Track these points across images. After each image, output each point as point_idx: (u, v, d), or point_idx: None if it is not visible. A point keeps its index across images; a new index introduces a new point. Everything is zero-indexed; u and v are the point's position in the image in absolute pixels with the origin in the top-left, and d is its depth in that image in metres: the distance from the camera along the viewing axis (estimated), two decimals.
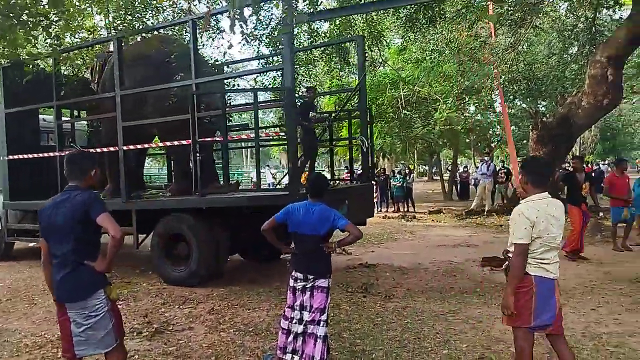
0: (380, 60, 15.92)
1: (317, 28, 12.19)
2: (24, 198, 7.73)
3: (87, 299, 2.72)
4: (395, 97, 15.51)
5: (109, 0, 6.94)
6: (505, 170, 15.45)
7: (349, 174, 15.42)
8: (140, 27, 7.50)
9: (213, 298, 5.68)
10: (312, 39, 11.64)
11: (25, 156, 7.78)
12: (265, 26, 10.73)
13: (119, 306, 3.07)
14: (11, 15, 5.07)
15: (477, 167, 18.15)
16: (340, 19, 11.18)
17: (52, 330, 4.62)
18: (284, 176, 10.42)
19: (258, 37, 10.49)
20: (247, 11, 5.36)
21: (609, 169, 18.14)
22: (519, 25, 11.13)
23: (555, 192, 3.10)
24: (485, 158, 15.88)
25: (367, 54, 11.29)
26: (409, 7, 10.55)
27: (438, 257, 7.87)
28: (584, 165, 8.79)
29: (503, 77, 12.71)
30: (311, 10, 9.09)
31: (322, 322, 3.40)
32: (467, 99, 15.43)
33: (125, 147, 6.63)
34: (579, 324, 4.40)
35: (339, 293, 5.61)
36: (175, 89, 6.61)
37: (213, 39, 11.18)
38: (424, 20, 10.96)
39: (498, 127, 18.99)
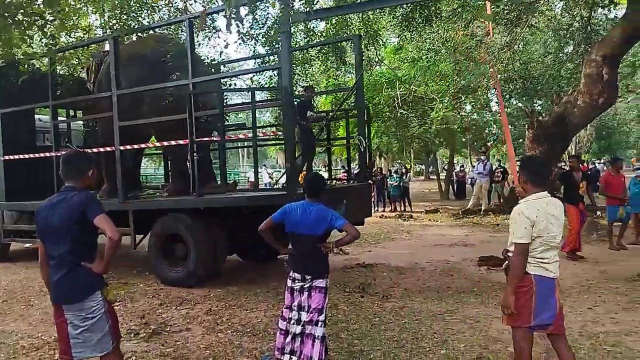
0: (377, 59, 15.95)
1: (313, 27, 12.21)
2: (19, 199, 7.68)
3: (84, 300, 2.71)
4: (392, 96, 15.52)
5: None
6: (502, 170, 15.49)
7: (345, 174, 15.48)
8: (136, 26, 7.47)
9: (210, 299, 5.67)
10: (308, 38, 11.64)
11: (21, 156, 7.73)
12: (261, 25, 10.74)
13: (116, 307, 3.06)
14: (6, 14, 5.03)
15: (474, 166, 18.20)
16: (336, 18, 11.18)
17: (49, 332, 4.59)
18: (282, 176, 10.41)
19: (254, 36, 10.49)
20: (243, 10, 5.35)
21: (605, 168, 18.21)
22: (515, 24, 11.16)
23: (552, 192, 3.10)
24: (482, 157, 15.91)
25: (363, 53, 11.28)
26: (405, 6, 10.56)
27: (435, 256, 7.88)
28: (580, 164, 8.81)
29: (499, 76, 12.74)
30: (307, 9, 9.09)
31: (320, 323, 3.39)
32: (463, 98, 15.47)
33: (122, 147, 6.60)
34: (575, 323, 4.41)
35: (337, 293, 5.61)
36: (172, 89, 6.59)
37: (209, 39, 11.19)
38: (420, 20, 10.98)
39: (494, 126, 19.04)
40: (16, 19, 5.10)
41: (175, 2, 10.78)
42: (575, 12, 11.28)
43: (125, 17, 7.58)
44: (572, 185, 7.52)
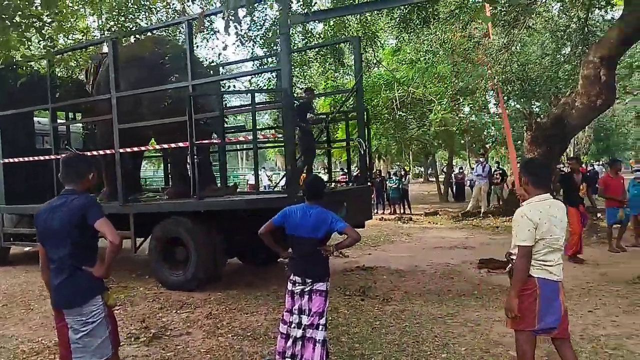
0: (375, 61, 15.96)
1: (311, 29, 12.20)
2: (19, 202, 7.65)
3: (84, 304, 2.69)
4: (390, 98, 15.53)
5: (102, 1, 6.89)
6: (501, 172, 15.50)
7: (344, 176, 15.46)
8: (134, 28, 7.46)
9: (210, 302, 5.65)
10: (306, 40, 11.64)
11: (21, 159, 7.71)
12: (259, 27, 10.73)
13: (116, 311, 3.04)
14: (4, 17, 5.02)
15: (473, 169, 18.21)
16: (334, 19, 11.19)
17: (49, 336, 4.57)
18: (282, 178, 10.39)
19: (252, 38, 10.49)
20: (241, 12, 5.35)
21: (604, 170, 18.24)
22: (512, 25, 11.18)
23: (552, 194, 3.08)
24: (481, 159, 15.94)
25: (362, 55, 11.28)
26: (403, 7, 10.57)
27: (435, 259, 7.87)
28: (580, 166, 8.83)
29: (497, 77, 12.76)
30: (305, 10, 9.09)
31: (320, 326, 3.38)
32: (461, 100, 15.49)
33: (121, 150, 6.58)
34: (576, 326, 4.40)
35: (337, 296, 5.59)
36: (170, 91, 6.57)
37: (207, 40, 11.19)
38: (417, 21, 11.00)
39: (493, 127, 19.06)
40: (14, 21, 5.08)
41: (173, 4, 10.78)
42: (572, 14, 11.31)
43: (122, 19, 7.56)
44: (572, 187, 7.52)
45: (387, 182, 16.46)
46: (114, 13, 7.17)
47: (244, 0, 5.22)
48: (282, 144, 7.04)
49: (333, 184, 8.84)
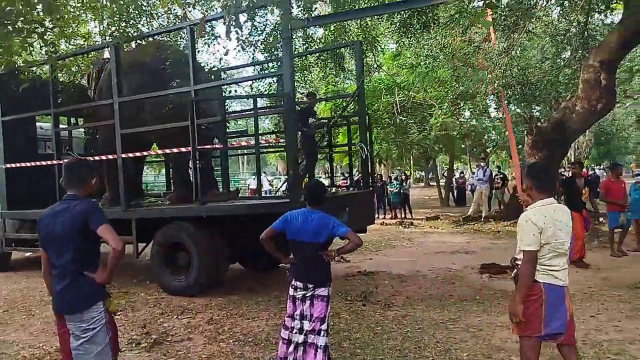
0: (375, 65, 16.00)
1: (312, 34, 12.24)
2: (21, 207, 7.65)
3: (86, 311, 2.68)
4: (391, 102, 15.55)
5: (104, 6, 6.92)
6: (502, 176, 15.49)
7: (345, 181, 15.46)
8: (135, 33, 7.49)
9: (211, 308, 5.64)
10: (307, 45, 11.67)
11: (23, 164, 7.71)
12: (260, 32, 10.76)
13: (117, 317, 3.03)
14: (6, 22, 5.04)
15: (473, 173, 18.19)
16: (334, 24, 11.22)
17: (50, 342, 4.57)
18: (283, 183, 10.39)
19: (253, 43, 10.52)
20: (242, 17, 5.36)
21: (604, 174, 18.23)
22: (512, 30, 11.20)
23: (555, 198, 3.07)
24: (481, 163, 15.93)
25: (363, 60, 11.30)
26: (403, 12, 10.60)
27: (436, 264, 7.86)
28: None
29: (497, 82, 12.76)
30: (305, 15, 9.12)
31: (322, 332, 3.37)
32: (462, 105, 15.50)
33: (124, 155, 6.58)
34: (579, 331, 4.36)
35: (338, 302, 5.58)
36: (172, 96, 6.58)
37: (209, 45, 11.21)
38: (418, 26, 11.02)
39: (493, 132, 19.06)
40: (16, 26, 5.11)
41: (174, 10, 10.82)
42: (572, 18, 11.32)
43: (124, 24, 7.59)
44: (574, 192, 7.50)
45: (388, 187, 16.46)
46: (115, 18, 7.21)
47: (245, 5, 5.23)
48: (284, 149, 7.04)
49: (334, 188, 8.83)
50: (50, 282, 2.80)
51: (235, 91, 11.32)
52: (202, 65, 9.41)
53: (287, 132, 6.05)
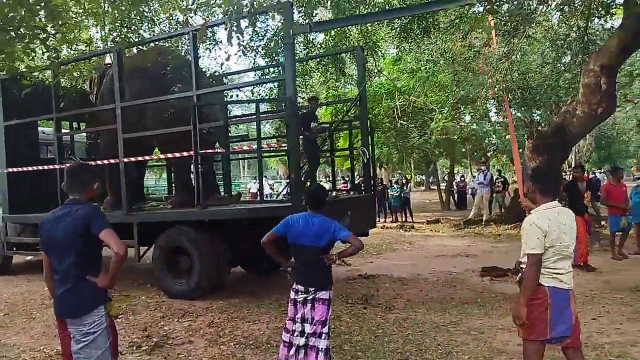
0: (376, 70, 16.05)
1: (312, 39, 12.31)
2: (23, 211, 7.67)
3: (87, 314, 2.68)
4: (391, 107, 15.59)
5: (105, 12, 6.97)
6: (502, 180, 15.49)
7: (345, 185, 15.48)
8: (136, 39, 7.53)
9: (212, 311, 5.64)
10: (307, 50, 11.73)
11: (25, 169, 7.74)
12: (261, 37, 10.82)
13: (118, 320, 3.04)
14: (9, 28, 5.09)
15: (474, 177, 18.20)
16: (335, 29, 11.27)
17: (50, 345, 4.57)
18: (285, 187, 10.40)
19: (254, 48, 10.58)
20: (243, 23, 5.39)
21: (605, 177, 18.23)
22: (512, 35, 11.24)
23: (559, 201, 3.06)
24: (482, 167, 15.94)
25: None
26: (403, 17, 10.65)
27: (437, 267, 7.86)
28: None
29: (497, 86, 12.79)
30: (306, 21, 9.18)
31: (323, 335, 3.37)
32: (462, 109, 15.54)
33: (126, 159, 6.60)
34: (581, 334, 4.38)
35: (339, 305, 5.58)
36: (174, 100, 6.61)
37: (210, 51, 11.28)
38: (418, 31, 11.07)
39: (494, 136, 19.07)
40: (19, 32, 5.15)
41: (176, 15, 10.89)
42: (572, 23, 11.37)
43: (125, 30, 7.64)
44: (576, 196, 7.50)
45: (389, 191, 16.47)
46: (117, 24, 7.26)
47: (246, 11, 5.27)
48: (286, 153, 7.06)
49: (335, 192, 8.84)
50: (52, 286, 2.81)
51: (237, 96, 11.33)
52: (204, 70, 9.47)
53: (289, 136, 6.06)
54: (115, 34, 7.27)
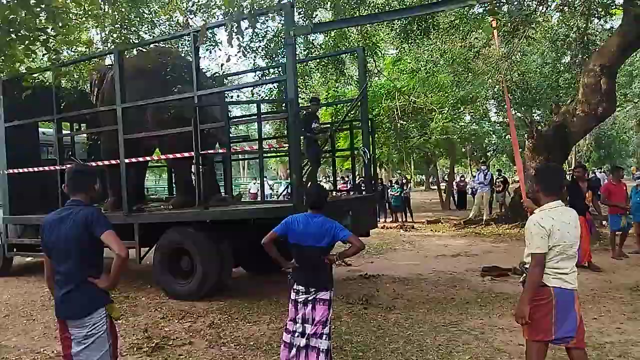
0: (376, 70, 16.07)
1: (312, 40, 12.30)
2: (24, 212, 7.67)
3: (88, 316, 2.68)
4: (391, 107, 15.61)
5: (105, 13, 6.97)
6: (502, 179, 15.49)
7: (345, 185, 15.49)
8: (136, 40, 7.53)
9: (213, 311, 5.64)
10: (307, 51, 11.73)
11: (25, 170, 7.74)
12: (261, 38, 10.83)
13: (118, 321, 3.04)
14: (10, 30, 5.09)
15: (474, 176, 18.20)
16: (335, 30, 11.28)
17: (51, 347, 4.57)
18: (286, 188, 10.39)
19: (254, 49, 10.58)
20: (243, 24, 5.39)
21: (606, 177, 18.23)
22: (512, 35, 11.26)
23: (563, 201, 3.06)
24: (482, 167, 15.93)
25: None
26: (403, 18, 10.66)
27: (438, 267, 7.86)
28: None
29: (497, 86, 12.81)
30: (307, 22, 9.18)
31: (324, 335, 3.37)
32: (462, 109, 15.57)
33: (127, 160, 6.60)
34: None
35: (340, 305, 5.58)
36: (174, 101, 6.61)
37: (210, 52, 11.27)
38: (418, 32, 11.08)
39: (493, 135, 19.12)
40: (19, 34, 5.15)
41: (176, 17, 10.88)
42: (572, 23, 11.39)
43: (125, 31, 7.65)
44: (578, 196, 7.50)
45: (389, 191, 16.47)
46: (117, 26, 7.27)
47: (247, 12, 5.28)
48: (286, 154, 7.06)
49: (334, 192, 8.85)
50: (54, 288, 2.81)
51: (238, 96, 11.35)
52: (205, 71, 9.47)
53: (290, 137, 6.06)
54: (115, 35, 7.28)
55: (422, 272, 7.49)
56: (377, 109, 15.32)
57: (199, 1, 9.52)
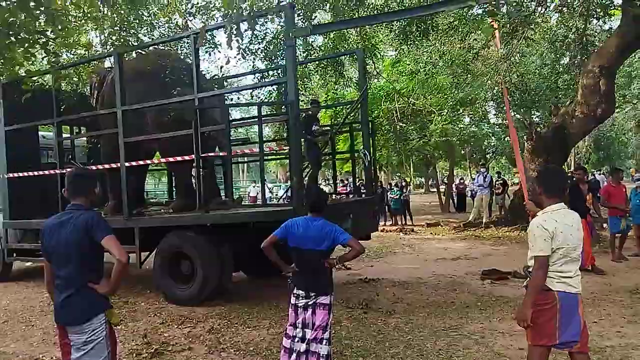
0: (375, 72, 16.08)
1: (312, 42, 12.30)
2: (24, 217, 7.64)
3: (87, 322, 2.66)
4: (390, 109, 15.61)
5: (105, 16, 6.97)
6: (502, 181, 15.48)
7: (344, 188, 15.47)
8: (136, 43, 7.52)
9: (212, 316, 5.61)
10: (307, 53, 11.73)
11: (25, 174, 7.71)
12: (260, 40, 10.82)
13: (117, 327, 3.01)
14: (9, 33, 5.08)
15: (474, 179, 18.20)
16: (334, 32, 11.28)
17: (50, 352, 4.55)
18: (286, 191, 10.38)
19: (253, 51, 10.58)
20: (242, 26, 5.39)
21: (605, 179, 18.23)
22: (511, 36, 11.27)
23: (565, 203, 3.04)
24: (482, 169, 15.94)
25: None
26: (402, 20, 10.66)
27: (438, 270, 7.84)
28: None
29: (496, 88, 12.80)
30: (306, 24, 9.17)
31: (324, 340, 3.36)
32: (461, 111, 15.56)
33: (127, 164, 6.58)
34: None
35: (340, 309, 5.56)
36: (174, 104, 6.59)
37: (209, 54, 11.27)
38: (417, 33, 11.08)
39: (493, 138, 19.11)
40: (19, 37, 5.14)
41: (175, 19, 10.88)
42: (571, 24, 11.40)
43: (124, 33, 7.64)
44: (579, 198, 7.49)
45: (388, 194, 16.45)
46: (116, 28, 7.26)
47: (246, 14, 5.27)
48: (286, 156, 7.03)
49: (334, 195, 8.82)
50: (53, 293, 2.80)
51: (239, 99, 11.33)
52: (204, 73, 9.46)
53: (291, 139, 6.04)
54: (114, 37, 7.27)
55: (422, 276, 7.48)
56: (376, 111, 15.32)
57: (198, 3, 9.53)
